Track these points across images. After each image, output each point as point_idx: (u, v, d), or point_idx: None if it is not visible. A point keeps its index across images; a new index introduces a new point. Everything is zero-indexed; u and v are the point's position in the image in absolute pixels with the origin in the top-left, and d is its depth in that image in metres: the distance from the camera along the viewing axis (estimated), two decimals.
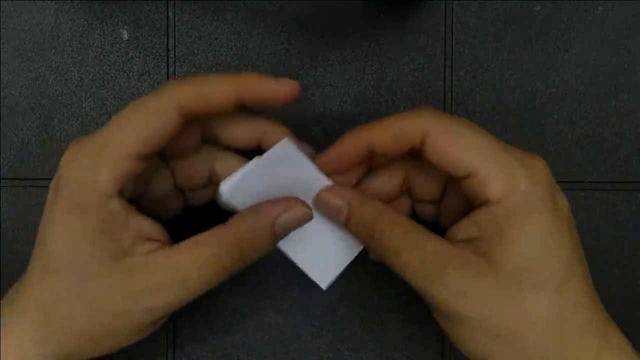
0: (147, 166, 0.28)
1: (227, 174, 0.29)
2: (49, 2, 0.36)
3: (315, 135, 0.36)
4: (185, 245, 0.27)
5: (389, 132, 0.28)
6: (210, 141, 0.31)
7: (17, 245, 0.36)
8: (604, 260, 0.36)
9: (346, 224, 0.30)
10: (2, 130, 0.36)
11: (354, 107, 0.36)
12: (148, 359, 0.36)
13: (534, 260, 0.26)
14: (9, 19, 0.36)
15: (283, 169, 0.29)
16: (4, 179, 0.36)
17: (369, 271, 0.36)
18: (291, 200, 0.29)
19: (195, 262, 0.27)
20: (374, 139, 0.28)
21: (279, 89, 0.28)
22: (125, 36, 0.36)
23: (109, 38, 0.36)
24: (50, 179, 0.36)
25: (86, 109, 0.36)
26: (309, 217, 0.29)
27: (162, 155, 0.31)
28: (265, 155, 0.29)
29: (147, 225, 0.28)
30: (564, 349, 0.27)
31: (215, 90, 0.27)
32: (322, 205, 0.30)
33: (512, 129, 0.36)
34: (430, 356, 0.36)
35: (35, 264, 0.28)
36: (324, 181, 0.30)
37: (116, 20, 0.36)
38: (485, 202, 0.27)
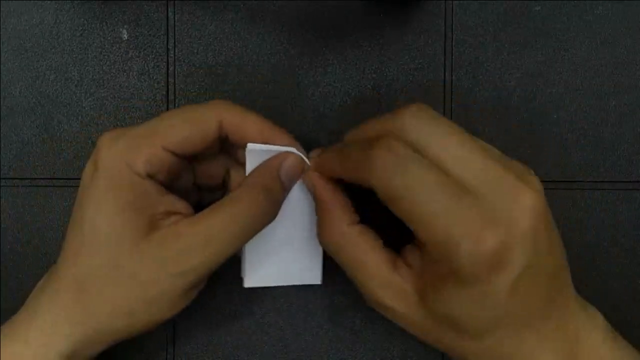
0: (178, 163, 0.30)
1: (239, 181, 0.31)
2: (49, 2, 0.36)
3: (315, 136, 0.36)
4: (208, 210, 0.29)
5: (345, 172, 0.29)
6: (226, 148, 0.33)
7: (17, 245, 0.36)
8: (604, 260, 0.36)
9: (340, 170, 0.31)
10: (2, 130, 0.36)
11: (354, 107, 0.36)
12: (148, 359, 0.36)
13: (460, 317, 0.27)
14: (9, 19, 0.36)
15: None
16: (4, 178, 0.36)
17: None
18: (285, 152, 0.31)
19: (219, 222, 0.28)
20: (336, 172, 0.30)
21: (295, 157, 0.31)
22: (125, 36, 0.36)
23: (109, 38, 0.36)
24: (50, 179, 0.36)
25: (86, 109, 0.36)
26: (304, 165, 0.31)
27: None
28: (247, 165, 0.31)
29: (177, 203, 0.30)
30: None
31: (252, 129, 0.30)
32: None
33: (512, 129, 0.36)
34: (430, 356, 0.36)
35: (72, 243, 0.29)
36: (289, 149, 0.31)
37: (116, 20, 0.36)
38: (423, 253, 0.28)
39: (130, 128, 0.30)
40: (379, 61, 0.36)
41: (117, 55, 0.36)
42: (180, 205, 0.30)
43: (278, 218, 0.31)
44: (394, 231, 0.29)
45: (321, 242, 0.30)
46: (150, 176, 0.29)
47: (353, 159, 0.28)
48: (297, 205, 0.32)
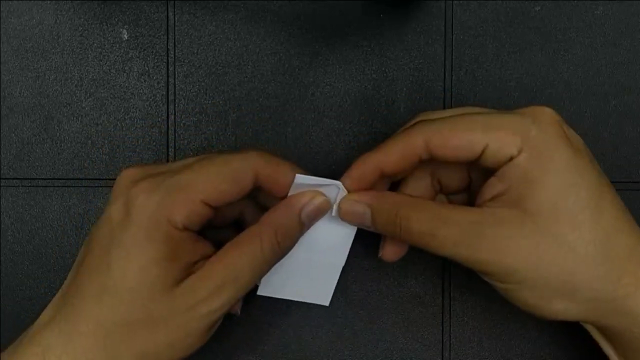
0: (211, 212, 0.30)
1: (253, 222, 0.31)
2: (49, 2, 0.36)
3: (315, 136, 0.36)
4: (229, 246, 0.29)
5: (394, 154, 0.30)
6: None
7: (17, 245, 0.36)
8: None
9: (374, 225, 0.31)
10: (2, 130, 0.36)
11: (354, 107, 0.36)
12: None
13: (565, 195, 0.27)
14: (9, 19, 0.36)
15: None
16: (4, 179, 0.36)
17: (369, 271, 0.36)
18: (312, 192, 0.31)
19: (243, 258, 0.29)
20: (381, 164, 0.30)
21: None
22: (125, 36, 0.36)
23: (109, 38, 0.36)
24: (50, 179, 0.36)
25: (86, 109, 0.36)
26: (329, 206, 0.31)
27: None
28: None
29: (208, 248, 0.30)
30: (617, 278, 0.28)
31: (285, 177, 0.30)
32: (345, 215, 0.31)
33: None
34: (430, 356, 0.36)
35: (90, 286, 0.28)
36: (343, 192, 0.31)
37: (116, 20, 0.36)
38: (508, 160, 0.28)
39: (165, 177, 0.29)
40: (379, 61, 0.36)
41: (117, 55, 0.36)
42: (209, 248, 0.30)
43: (302, 239, 0.32)
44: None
45: (422, 233, 0.29)
46: (187, 228, 0.29)
47: (398, 136, 0.30)
48: (322, 231, 0.32)
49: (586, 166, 0.28)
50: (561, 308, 0.28)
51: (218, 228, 0.33)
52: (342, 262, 0.33)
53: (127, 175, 0.29)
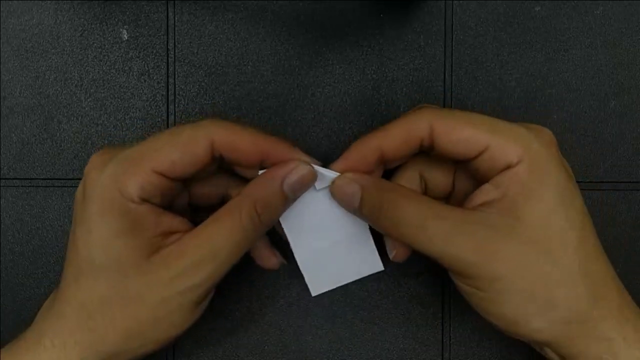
0: (172, 185, 0.29)
1: None
2: (49, 2, 0.36)
3: (315, 136, 0.36)
4: (208, 221, 0.29)
5: (397, 135, 0.29)
6: (224, 166, 0.32)
7: (17, 245, 0.36)
8: None
9: (360, 209, 0.30)
10: (2, 130, 0.36)
11: (354, 107, 0.36)
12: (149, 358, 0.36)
13: (558, 212, 0.28)
14: (9, 19, 0.36)
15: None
16: (4, 179, 0.36)
17: None
18: (295, 162, 0.30)
19: (221, 233, 0.28)
20: (382, 145, 0.29)
21: (304, 159, 0.30)
22: (125, 36, 0.36)
23: (109, 38, 0.36)
24: (50, 179, 0.36)
25: (86, 109, 0.36)
26: (313, 176, 0.30)
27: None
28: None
29: (176, 222, 0.30)
30: (593, 299, 0.28)
31: (246, 144, 0.29)
32: (336, 193, 0.30)
33: None
34: (430, 356, 0.36)
35: (69, 268, 0.29)
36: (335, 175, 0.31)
37: (116, 20, 0.36)
38: (505, 168, 0.28)
39: (119, 150, 0.29)
40: (379, 61, 0.36)
41: (117, 56, 0.36)
42: (178, 222, 0.30)
43: (318, 222, 0.31)
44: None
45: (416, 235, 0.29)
46: (145, 200, 0.29)
47: (401, 119, 0.29)
48: (333, 206, 0.31)
49: (576, 191, 0.29)
50: (538, 327, 0.28)
51: (206, 209, 0.32)
52: (366, 226, 0.32)
53: (92, 159, 0.30)
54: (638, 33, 0.36)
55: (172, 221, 0.30)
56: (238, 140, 0.29)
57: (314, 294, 0.33)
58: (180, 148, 0.29)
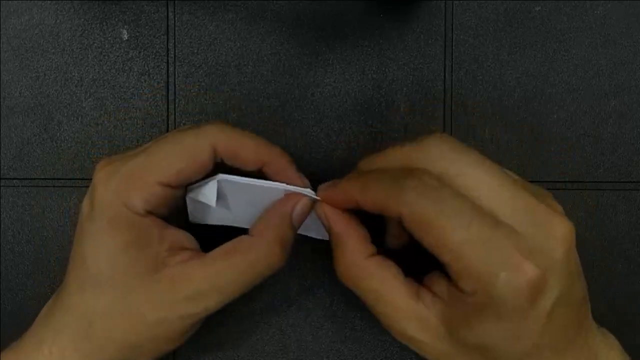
0: (174, 193, 0.30)
1: None
2: (49, 2, 0.36)
3: (315, 136, 0.36)
4: (219, 254, 0.29)
5: (370, 201, 0.28)
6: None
7: (17, 245, 0.36)
8: (604, 260, 0.36)
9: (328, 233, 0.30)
10: (2, 130, 0.36)
11: (354, 107, 0.36)
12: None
13: (495, 347, 0.27)
14: (9, 19, 0.36)
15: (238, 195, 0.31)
16: (4, 179, 0.36)
17: None
18: (296, 195, 0.30)
19: (232, 270, 0.29)
20: (359, 201, 0.28)
21: (295, 180, 0.30)
22: (125, 36, 0.36)
23: (109, 38, 0.36)
24: (50, 179, 0.36)
25: (86, 109, 0.36)
26: (311, 205, 0.30)
27: None
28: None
29: (180, 236, 0.30)
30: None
31: (248, 153, 0.30)
32: (321, 216, 0.30)
33: (512, 129, 0.36)
34: None
35: (73, 280, 0.29)
36: (279, 187, 0.30)
37: (116, 20, 0.36)
38: (455, 284, 0.26)
39: (123, 161, 0.29)
40: (379, 61, 0.36)
41: (117, 55, 0.36)
42: (184, 238, 0.30)
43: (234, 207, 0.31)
44: (406, 258, 0.29)
45: (338, 276, 0.30)
46: (150, 212, 0.29)
47: (383, 187, 0.27)
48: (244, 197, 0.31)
49: (531, 333, 0.26)
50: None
51: None
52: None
53: (97, 168, 0.30)
54: (638, 33, 0.36)
55: (175, 235, 0.30)
56: (240, 149, 0.29)
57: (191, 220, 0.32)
58: (185, 157, 0.29)
